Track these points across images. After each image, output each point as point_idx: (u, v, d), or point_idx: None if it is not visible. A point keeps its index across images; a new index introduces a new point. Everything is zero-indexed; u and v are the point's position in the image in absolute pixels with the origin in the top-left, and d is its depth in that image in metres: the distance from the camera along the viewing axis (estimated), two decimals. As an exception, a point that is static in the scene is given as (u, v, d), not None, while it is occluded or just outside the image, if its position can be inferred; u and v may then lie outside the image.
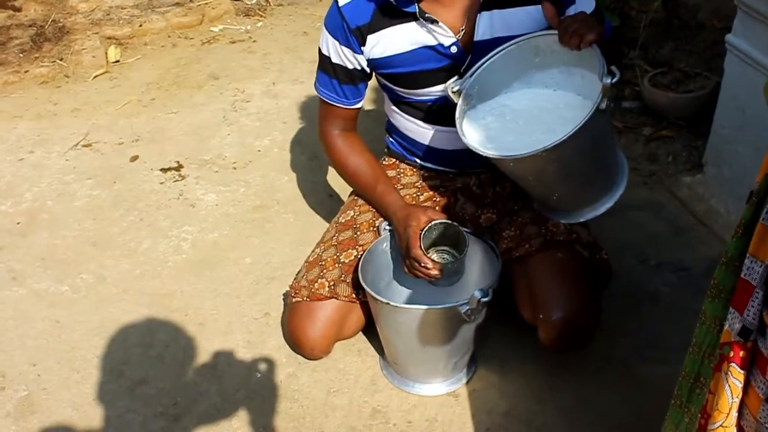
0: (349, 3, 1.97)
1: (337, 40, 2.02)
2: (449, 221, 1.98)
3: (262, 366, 2.21)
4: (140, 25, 4.25)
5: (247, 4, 4.63)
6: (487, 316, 2.00)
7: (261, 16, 4.51)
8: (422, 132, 2.15)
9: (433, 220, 1.96)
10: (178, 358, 2.25)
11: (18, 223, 2.85)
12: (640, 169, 2.89)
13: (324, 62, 2.09)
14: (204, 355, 2.26)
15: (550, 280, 1.97)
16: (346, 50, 2.02)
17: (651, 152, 2.95)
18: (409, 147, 2.24)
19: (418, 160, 2.25)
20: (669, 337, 2.22)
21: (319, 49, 2.09)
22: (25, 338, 2.34)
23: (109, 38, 4.15)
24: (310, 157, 3.13)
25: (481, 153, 1.77)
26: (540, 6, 1.87)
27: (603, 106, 1.66)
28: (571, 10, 1.90)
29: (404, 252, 2.00)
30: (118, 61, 3.97)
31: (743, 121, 2.46)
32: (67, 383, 2.18)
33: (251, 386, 2.15)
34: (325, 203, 2.86)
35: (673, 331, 2.23)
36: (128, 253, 2.67)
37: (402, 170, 2.28)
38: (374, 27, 1.97)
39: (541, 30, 1.87)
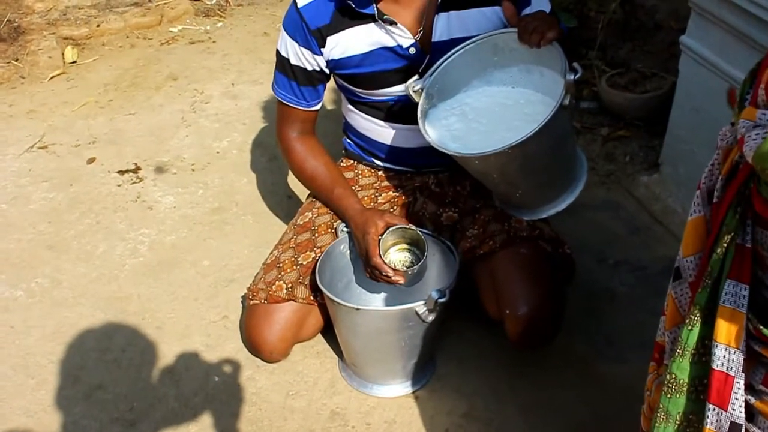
0: (308, 4, 1.97)
1: (296, 42, 2.01)
2: (407, 225, 1.98)
3: (221, 369, 2.19)
4: (98, 26, 4.19)
5: (207, 5, 4.59)
6: (444, 317, 2.00)
7: (221, 16, 4.47)
8: (380, 131, 2.15)
9: (391, 225, 1.96)
10: (135, 363, 2.22)
11: (-29, 227, 2.80)
12: (598, 168, 2.92)
13: (282, 64, 2.08)
14: (161, 359, 2.23)
15: (515, 276, 1.97)
16: (306, 51, 2.01)
17: (608, 152, 2.98)
18: (367, 147, 2.23)
19: (376, 161, 2.24)
20: (627, 335, 2.24)
21: (278, 51, 2.08)
22: (-23, 344, 2.31)
23: (66, 38, 4.09)
24: (269, 158, 3.11)
25: (447, 152, 1.78)
26: (494, 7, 1.92)
27: (566, 102, 1.68)
28: (527, 11, 1.92)
29: (364, 260, 2.00)
30: (75, 62, 3.91)
31: (698, 121, 2.48)
32: (21, 390, 2.15)
33: (209, 390, 2.13)
34: (284, 205, 2.84)
35: (631, 330, 2.26)
36: (84, 257, 2.63)
37: (360, 171, 2.28)
38: (334, 28, 1.97)
39: (499, 29, 1.88)
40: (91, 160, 3.13)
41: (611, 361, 2.17)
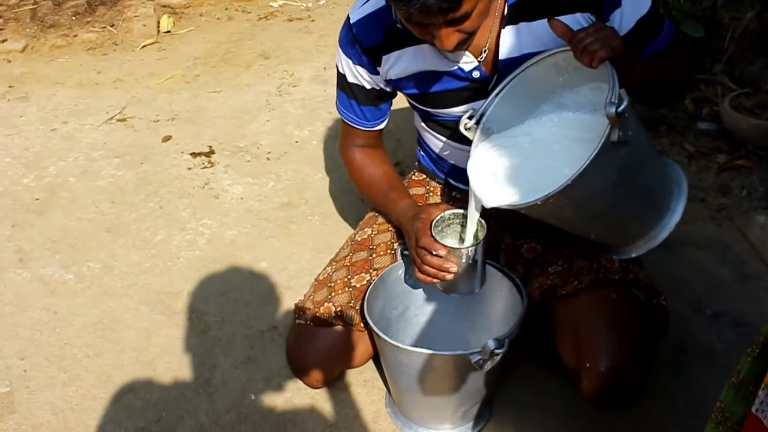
0: (360, 20, 1.76)
1: (350, 59, 1.81)
2: (463, 211, 1.71)
3: (259, 387, 2.03)
4: (198, -6, 4.09)
5: (313, -20, 4.41)
6: (502, 365, 1.77)
7: (324, -8, 4.30)
8: (450, 150, 1.92)
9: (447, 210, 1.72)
10: (171, 368, 2.09)
11: (37, 199, 2.74)
12: (709, 201, 2.59)
13: (341, 81, 1.89)
14: (199, 367, 2.09)
15: (602, 325, 1.70)
16: (361, 70, 1.81)
17: (723, 183, 2.64)
18: (439, 163, 2.00)
19: (450, 180, 2.01)
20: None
21: (336, 67, 1.89)
22: (18, 328, 2.22)
23: (164, 6, 4.01)
24: (348, 154, 2.92)
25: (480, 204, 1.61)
26: (575, 14, 1.63)
27: (615, 138, 1.41)
28: (617, 15, 1.63)
29: (413, 245, 1.73)
30: (169, 32, 3.82)
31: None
32: (52, 383, 2.05)
33: (243, 408, 1.97)
34: (357, 207, 2.64)
35: (722, 397, 1.97)
36: (141, 244, 2.51)
37: (432, 189, 2.06)
38: (387, 47, 1.75)
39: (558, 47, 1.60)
40: (166, 138, 3.02)
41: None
